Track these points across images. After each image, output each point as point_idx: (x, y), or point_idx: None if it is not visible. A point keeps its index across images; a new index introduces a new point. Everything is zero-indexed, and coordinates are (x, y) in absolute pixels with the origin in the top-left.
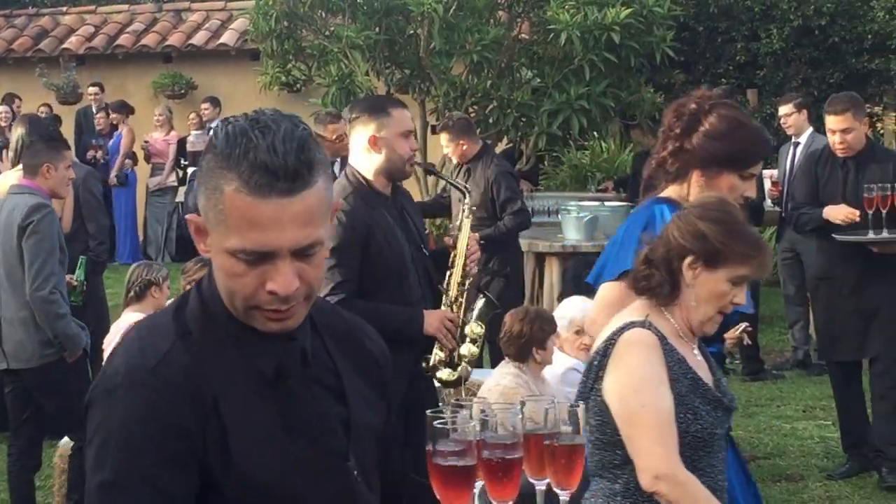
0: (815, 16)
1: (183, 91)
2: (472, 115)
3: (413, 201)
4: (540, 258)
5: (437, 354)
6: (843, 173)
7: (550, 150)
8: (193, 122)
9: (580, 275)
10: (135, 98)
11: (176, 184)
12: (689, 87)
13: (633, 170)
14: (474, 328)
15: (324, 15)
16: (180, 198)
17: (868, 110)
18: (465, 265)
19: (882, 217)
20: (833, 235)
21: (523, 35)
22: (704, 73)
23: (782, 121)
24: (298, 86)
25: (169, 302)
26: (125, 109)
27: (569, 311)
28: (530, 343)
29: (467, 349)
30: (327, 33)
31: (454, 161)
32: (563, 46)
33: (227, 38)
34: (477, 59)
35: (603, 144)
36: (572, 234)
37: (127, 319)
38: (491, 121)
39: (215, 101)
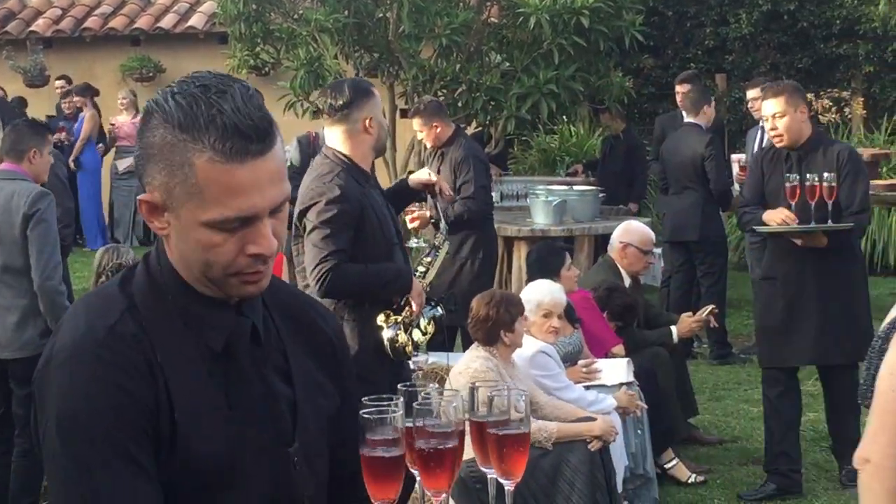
0: (784, 1)
1: (151, 74)
2: (441, 98)
3: (381, 188)
4: (508, 242)
5: (405, 316)
6: (787, 167)
7: (519, 134)
8: None
9: (543, 258)
10: (102, 81)
11: None
12: (659, 71)
13: (602, 154)
14: (424, 323)
15: None
16: None
17: (836, 95)
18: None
19: (828, 210)
20: (754, 228)
21: (492, 19)
22: (673, 58)
23: (750, 105)
24: (267, 69)
25: None
26: (89, 92)
27: (536, 294)
28: (497, 326)
29: (417, 334)
30: (296, 16)
31: (428, 146)
32: (532, 30)
33: (196, 21)
34: (446, 43)
35: (572, 128)
36: (541, 219)
37: None
38: (460, 104)
39: None
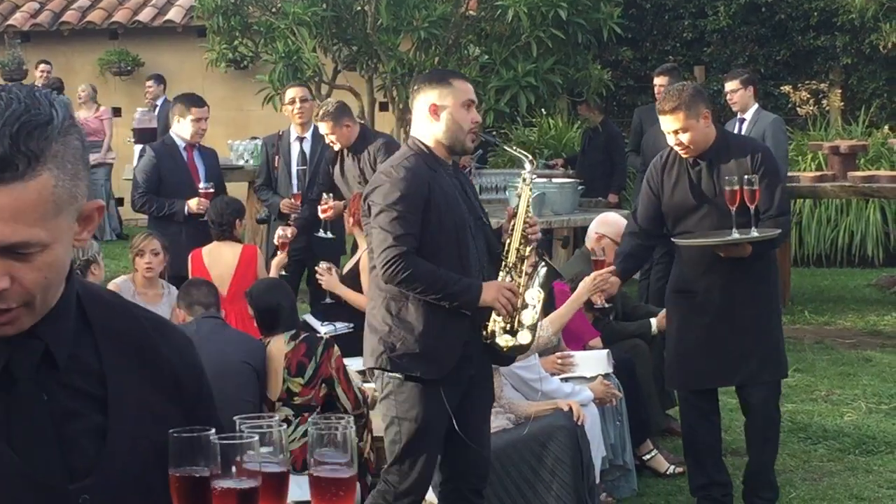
0: None
1: (129, 68)
2: None
3: (469, 180)
4: None
5: (495, 321)
6: (696, 174)
7: (498, 126)
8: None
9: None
10: (80, 75)
11: (113, 161)
12: (637, 63)
13: (581, 146)
14: (533, 294)
15: None
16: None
17: (813, 87)
18: (524, 231)
19: (751, 215)
20: (673, 239)
21: (471, 11)
22: (652, 50)
23: (728, 97)
24: (245, 63)
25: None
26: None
27: None
28: None
29: (527, 315)
30: (274, 10)
31: (336, 147)
32: (510, 23)
33: (174, 14)
34: (424, 36)
35: (551, 121)
36: None
37: None
38: None
39: (159, 79)
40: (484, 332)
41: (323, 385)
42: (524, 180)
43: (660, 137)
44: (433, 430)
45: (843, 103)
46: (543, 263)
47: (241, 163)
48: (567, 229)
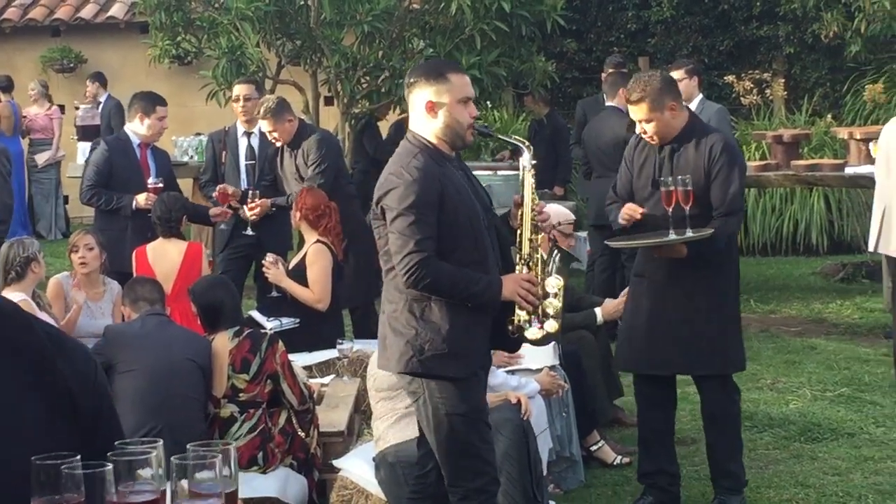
0: None
1: (72, 65)
2: (365, 85)
3: (469, 169)
4: None
5: (519, 316)
6: (660, 159)
7: None
8: (88, 94)
9: None
10: (23, 73)
11: (62, 158)
12: (582, 55)
13: (527, 138)
14: (553, 282)
15: None
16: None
17: (757, 77)
18: (533, 219)
19: (685, 215)
20: (606, 242)
21: (414, 5)
22: (596, 42)
23: None
24: (189, 58)
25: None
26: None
27: None
28: None
29: (550, 305)
30: (217, 5)
31: (278, 144)
32: (454, 16)
33: (116, 10)
34: (368, 30)
35: (496, 113)
36: None
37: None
38: (383, 91)
39: (98, 77)
40: (510, 328)
41: (268, 381)
42: (524, 168)
43: (601, 128)
44: (483, 419)
45: (786, 92)
46: (557, 249)
47: (186, 159)
48: None
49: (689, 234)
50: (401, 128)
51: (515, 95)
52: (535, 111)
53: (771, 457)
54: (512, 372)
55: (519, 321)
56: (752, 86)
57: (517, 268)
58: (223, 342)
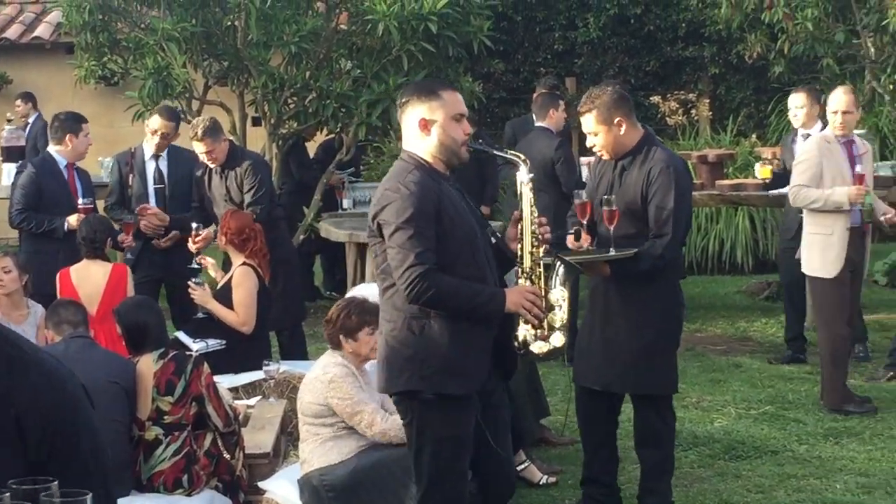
0: (631, 5)
1: None
2: (292, 106)
3: (462, 189)
4: (361, 248)
5: (525, 331)
6: (613, 176)
7: (371, 141)
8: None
9: None
10: None
11: None
12: (509, 76)
13: None
14: (557, 294)
15: (139, 7)
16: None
17: (683, 97)
18: (534, 233)
19: (610, 235)
20: (558, 255)
21: (342, 25)
22: (523, 62)
23: None
24: (116, 79)
25: None
26: None
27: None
28: (338, 331)
29: (555, 317)
30: (143, 26)
31: (211, 165)
32: (381, 37)
33: (42, 31)
34: (295, 50)
35: None
36: None
37: None
38: (310, 111)
39: (28, 97)
40: (515, 343)
41: (193, 403)
42: (522, 182)
43: (529, 149)
44: (468, 447)
45: (711, 112)
46: (558, 261)
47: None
48: None
49: (612, 252)
50: (329, 149)
51: None
52: None
53: (696, 475)
54: None
55: (525, 336)
56: (677, 106)
57: (520, 282)
58: (147, 364)
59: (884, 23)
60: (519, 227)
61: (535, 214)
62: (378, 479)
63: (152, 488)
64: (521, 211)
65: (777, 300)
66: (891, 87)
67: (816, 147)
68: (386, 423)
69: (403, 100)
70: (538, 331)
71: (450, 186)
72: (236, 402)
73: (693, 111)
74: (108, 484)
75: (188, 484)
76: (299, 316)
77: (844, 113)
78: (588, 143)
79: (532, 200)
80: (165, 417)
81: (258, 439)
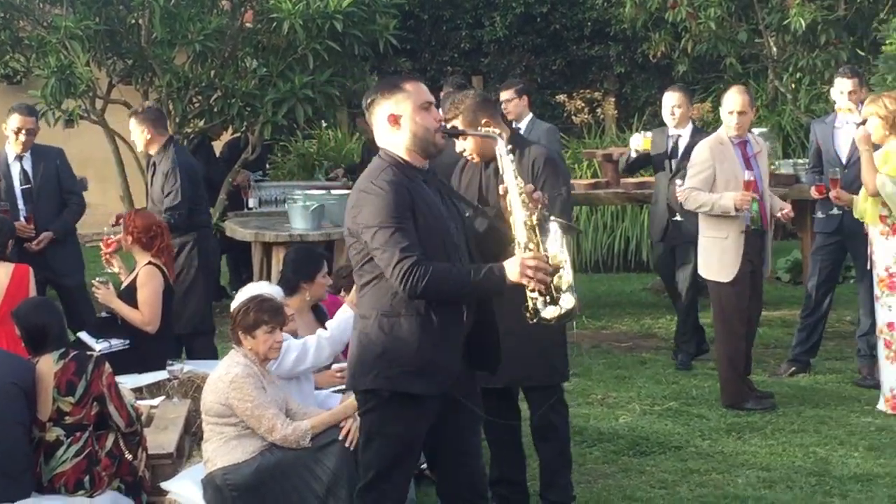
0: (537, 4)
1: None
2: (197, 104)
3: (446, 183)
4: (267, 248)
5: (532, 299)
6: (486, 177)
7: (278, 139)
8: None
9: (300, 261)
10: None
11: None
12: (416, 74)
13: (361, 157)
14: (557, 255)
15: (42, 5)
16: None
17: (588, 96)
18: (523, 201)
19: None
20: None
21: (247, 24)
22: (430, 61)
23: (503, 106)
24: (18, 78)
25: None
26: None
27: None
28: (237, 328)
29: (560, 279)
30: (45, 24)
31: (140, 148)
32: (286, 35)
33: None
34: (200, 49)
35: (331, 133)
36: (299, 224)
37: None
38: (216, 110)
39: None
40: (527, 314)
41: (94, 403)
42: (501, 155)
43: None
44: (416, 448)
45: (617, 111)
46: (551, 221)
47: None
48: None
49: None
50: (234, 147)
51: (349, 115)
52: (368, 131)
53: (600, 471)
54: (342, 391)
55: (534, 304)
56: (583, 105)
57: (517, 252)
58: (48, 365)
59: (786, 22)
60: (507, 199)
61: (520, 181)
62: (282, 478)
63: (53, 490)
64: (506, 183)
65: None
66: (793, 86)
67: (709, 150)
68: (286, 428)
69: (369, 100)
70: (546, 296)
71: (423, 183)
72: (140, 402)
73: (599, 110)
74: None
75: (90, 485)
76: (207, 317)
77: (740, 113)
78: (458, 149)
79: (515, 171)
80: (66, 418)
81: (161, 440)
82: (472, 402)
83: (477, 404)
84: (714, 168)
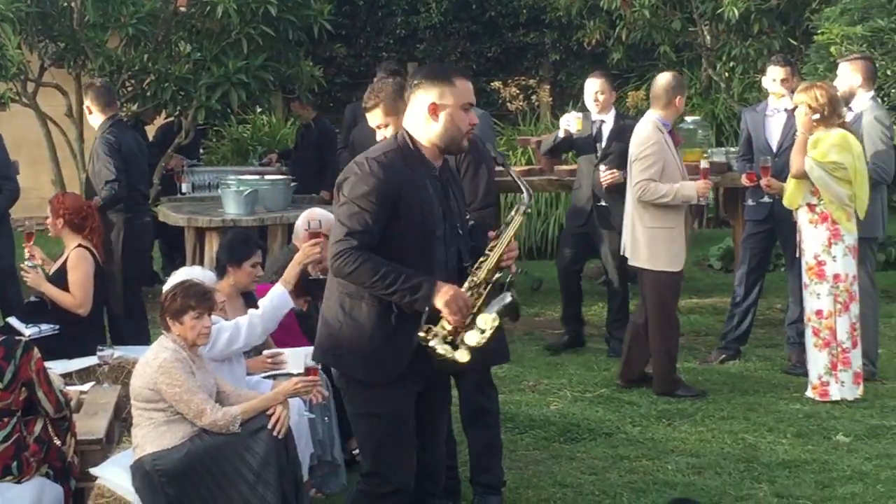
0: None
1: None
2: (130, 88)
3: (459, 182)
4: (200, 233)
5: (442, 328)
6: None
7: (212, 124)
8: None
9: (232, 243)
10: None
11: None
12: (351, 60)
13: (295, 143)
14: (488, 319)
15: None
16: None
17: (523, 83)
18: (500, 257)
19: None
20: None
21: (181, 7)
22: (366, 47)
23: None
24: None
25: None
26: None
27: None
28: (165, 313)
29: (472, 336)
30: None
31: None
32: (220, 19)
33: None
34: (133, 32)
35: (265, 118)
36: (232, 209)
37: None
38: (149, 94)
39: None
40: (423, 334)
41: (23, 388)
42: (518, 210)
43: (370, 133)
44: (403, 427)
45: (552, 98)
46: (510, 295)
47: None
48: (280, 226)
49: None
50: (167, 132)
51: (284, 100)
52: (303, 116)
53: (531, 457)
54: (273, 377)
55: (437, 330)
56: (518, 92)
57: (465, 286)
58: None
59: (719, 11)
60: (492, 245)
61: (514, 242)
62: (212, 464)
63: None
64: (502, 232)
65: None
66: (726, 74)
67: (657, 139)
68: (216, 413)
69: (416, 81)
70: (451, 336)
71: (431, 178)
72: (69, 387)
73: (534, 97)
74: None
75: (17, 471)
76: (136, 301)
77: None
78: (378, 138)
79: (518, 230)
80: None
81: (91, 425)
82: (443, 389)
83: (447, 391)
84: (664, 159)
